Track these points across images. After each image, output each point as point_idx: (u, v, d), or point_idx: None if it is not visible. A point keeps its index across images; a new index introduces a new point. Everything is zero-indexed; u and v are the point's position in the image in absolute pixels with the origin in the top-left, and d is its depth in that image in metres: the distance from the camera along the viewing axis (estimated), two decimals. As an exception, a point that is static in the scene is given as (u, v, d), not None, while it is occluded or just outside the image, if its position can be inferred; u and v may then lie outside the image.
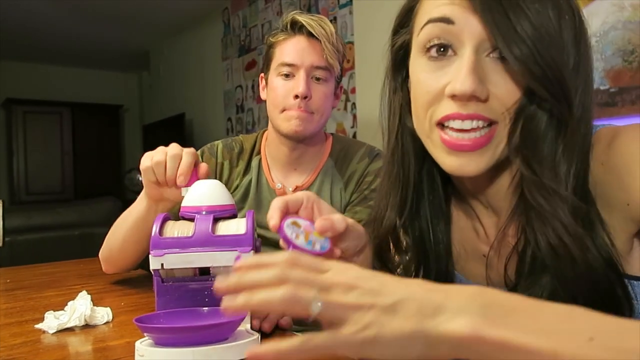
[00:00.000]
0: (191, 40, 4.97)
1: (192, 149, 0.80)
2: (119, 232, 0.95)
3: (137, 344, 0.58)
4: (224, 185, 0.69)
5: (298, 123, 1.03)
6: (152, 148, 0.82)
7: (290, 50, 1.03)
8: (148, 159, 0.80)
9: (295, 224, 0.51)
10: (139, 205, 0.90)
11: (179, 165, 0.77)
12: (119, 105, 6.32)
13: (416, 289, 0.36)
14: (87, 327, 0.74)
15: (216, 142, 1.14)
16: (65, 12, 4.43)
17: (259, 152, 1.13)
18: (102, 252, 0.99)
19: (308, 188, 1.09)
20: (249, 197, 1.09)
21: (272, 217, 0.52)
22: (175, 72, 5.37)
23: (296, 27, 1.04)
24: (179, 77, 5.29)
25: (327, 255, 0.52)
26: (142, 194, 0.88)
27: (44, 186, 5.71)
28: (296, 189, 1.09)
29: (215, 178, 1.09)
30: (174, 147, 0.80)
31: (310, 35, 1.02)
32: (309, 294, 0.36)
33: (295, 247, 0.50)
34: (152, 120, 5.89)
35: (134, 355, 0.58)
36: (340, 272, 0.38)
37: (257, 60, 3.92)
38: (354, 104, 3.02)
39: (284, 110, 1.04)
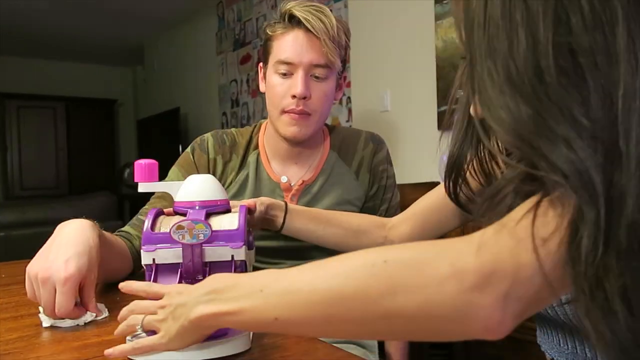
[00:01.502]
0: (186, 34, 4.95)
1: (69, 284, 0.67)
2: None
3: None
4: (217, 180, 0.69)
5: (297, 130, 1.00)
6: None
7: (288, 47, 0.97)
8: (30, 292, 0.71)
9: (179, 227, 0.61)
10: None
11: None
12: (114, 100, 6.29)
13: (183, 297, 0.51)
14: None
15: (206, 136, 1.09)
16: (58, 6, 4.40)
17: (256, 147, 1.10)
18: None
19: (313, 182, 1.07)
20: (246, 192, 1.06)
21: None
22: (170, 67, 5.35)
23: (294, 21, 0.97)
24: (174, 71, 5.27)
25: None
26: None
27: (39, 181, 5.69)
28: (302, 184, 1.06)
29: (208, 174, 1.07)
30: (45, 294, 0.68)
31: (308, 30, 0.97)
32: (137, 319, 0.55)
33: (184, 245, 0.61)
34: (146, 114, 5.87)
35: (128, 349, 0.58)
36: (166, 298, 0.54)
37: (252, 54, 3.91)
38: (349, 97, 3.02)
39: (282, 112, 1.00)
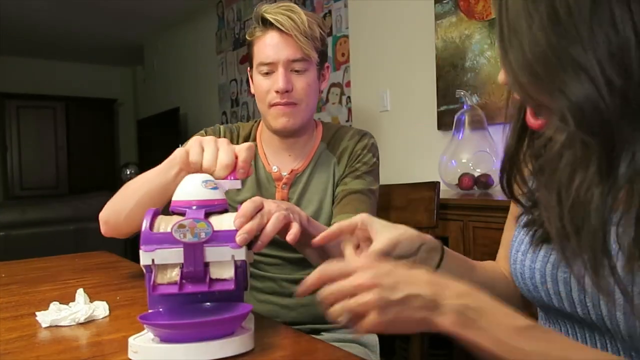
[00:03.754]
0: (185, 34, 4.95)
1: (250, 145, 0.76)
2: (132, 195, 0.90)
3: (131, 340, 0.58)
4: (214, 180, 0.69)
5: (286, 120, 1.06)
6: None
7: (266, 48, 1.05)
8: (198, 156, 0.76)
9: (181, 226, 0.61)
10: (167, 172, 0.85)
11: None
12: (113, 100, 6.29)
13: (421, 285, 0.49)
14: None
15: (218, 125, 1.19)
16: (59, 6, 4.40)
17: (254, 139, 1.18)
18: (105, 215, 0.95)
19: (303, 172, 1.12)
20: (247, 178, 1.10)
21: (321, 237, 0.69)
22: (170, 66, 5.35)
23: (267, 24, 1.04)
24: (173, 71, 5.27)
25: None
26: (173, 163, 0.84)
27: (39, 181, 5.70)
28: (291, 173, 1.12)
29: None
30: (226, 156, 0.74)
31: (281, 29, 1.03)
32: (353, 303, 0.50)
33: (185, 244, 0.60)
34: (146, 114, 5.87)
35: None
36: (362, 273, 0.51)
37: (252, 54, 3.91)
38: (349, 97, 3.02)
39: (270, 106, 1.07)
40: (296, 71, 1.06)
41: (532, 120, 0.52)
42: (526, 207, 0.63)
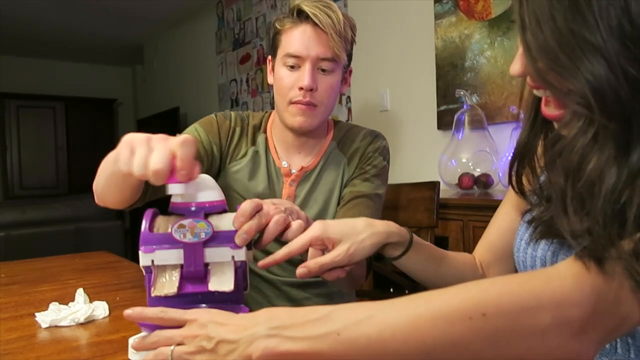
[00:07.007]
0: (185, 33, 4.95)
1: (186, 138, 0.59)
2: (102, 174, 0.83)
3: (131, 340, 0.58)
4: (213, 180, 0.69)
5: (303, 120, 1.04)
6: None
7: (296, 40, 1.01)
8: (126, 163, 0.60)
9: (180, 226, 0.60)
10: (115, 162, 0.68)
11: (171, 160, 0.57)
12: (113, 99, 6.29)
13: (228, 331, 0.49)
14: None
15: (229, 111, 1.16)
16: (59, 6, 4.39)
17: (264, 131, 1.15)
18: (94, 185, 0.89)
19: (312, 170, 1.11)
20: (260, 167, 1.10)
21: (269, 261, 0.68)
22: (169, 66, 5.34)
23: (302, 16, 1.01)
24: (173, 70, 5.27)
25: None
26: (117, 157, 0.65)
27: (38, 181, 5.70)
28: (301, 170, 1.10)
29: (227, 140, 1.11)
30: (158, 158, 0.57)
31: (316, 24, 1.00)
32: (167, 351, 0.51)
33: (186, 244, 0.61)
34: (146, 114, 5.87)
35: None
36: (195, 327, 0.51)
37: (252, 54, 3.91)
38: (348, 97, 3.02)
39: (289, 103, 1.04)
40: (322, 70, 1.03)
41: (547, 112, 0.52)
42: (533, 204, 0.63)
